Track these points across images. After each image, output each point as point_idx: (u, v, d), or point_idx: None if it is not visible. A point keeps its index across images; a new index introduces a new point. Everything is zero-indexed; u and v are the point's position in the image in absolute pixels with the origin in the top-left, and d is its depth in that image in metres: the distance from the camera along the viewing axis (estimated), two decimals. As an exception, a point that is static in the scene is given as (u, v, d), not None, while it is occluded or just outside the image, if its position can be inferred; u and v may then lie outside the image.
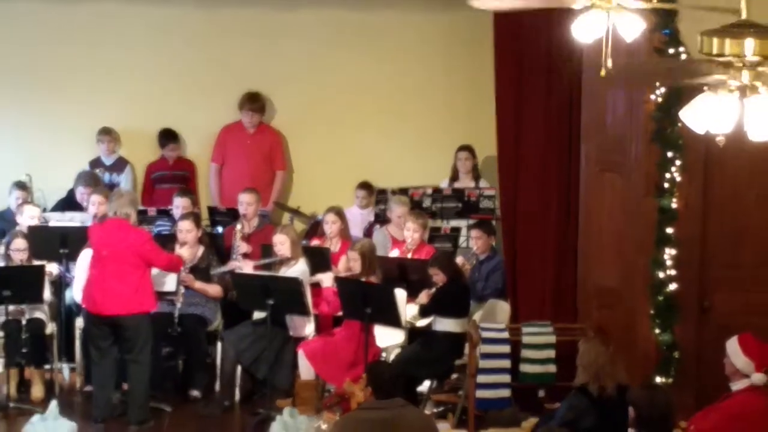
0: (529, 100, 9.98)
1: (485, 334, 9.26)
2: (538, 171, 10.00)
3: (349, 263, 10.22)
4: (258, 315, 10.19)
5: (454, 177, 12.05)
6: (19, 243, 10.33)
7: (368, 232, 11.50)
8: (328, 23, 12.46)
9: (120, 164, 12.32)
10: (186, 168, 12.53)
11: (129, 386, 9.76)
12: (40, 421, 8.93)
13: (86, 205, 11.28)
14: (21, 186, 11.54)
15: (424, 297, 9.88)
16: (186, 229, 10.48)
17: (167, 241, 10.44)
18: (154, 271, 9.84)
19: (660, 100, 8.72)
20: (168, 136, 12.42)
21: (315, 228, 11.50)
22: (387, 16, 12.49)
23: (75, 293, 10.35)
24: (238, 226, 11.08)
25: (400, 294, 9.73)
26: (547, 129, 9.96)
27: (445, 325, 9.68)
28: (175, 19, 12.40)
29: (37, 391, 10.34)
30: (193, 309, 10.41)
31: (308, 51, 12.47)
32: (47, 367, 10.50)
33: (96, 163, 12.26)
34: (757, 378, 7.53)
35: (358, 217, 11.83)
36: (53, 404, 9.05)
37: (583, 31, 6.46)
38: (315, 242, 11.10)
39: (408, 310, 9.94)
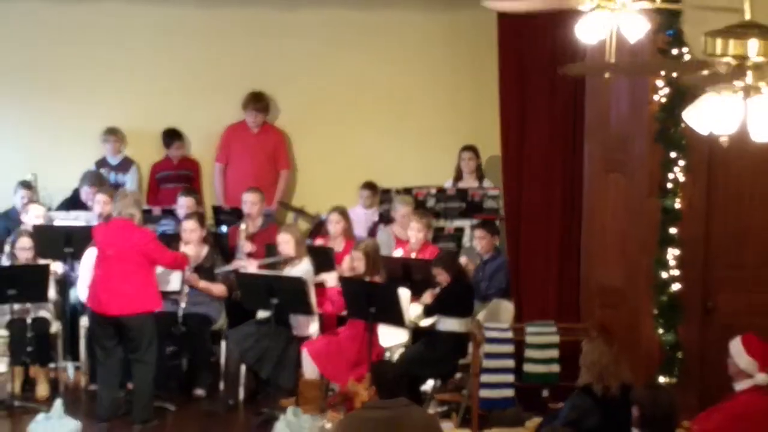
0: (532, 100, 9.97)
1: (489, 334, 9.27)
2: (541, 171, 9.99)
3: (353, 263, 10.23)
4: (262, 314, 10.20)
5: (458, 177, 12.05)
6: (25, 242, 10.36)
7: (372, 232, 11.51)
8: (331, 23, 12.46)
9: (125, 164, 12.33)
10: (190, 167, 12.54)
11: (133, 385, 9.77)
12: (44, 420, 8.96)
13: (91, 205, 11.30)
14: (26, 185, 11.56)
15: (428, 297, 9.89)
16: (190, 229, 10.50)
17: (171, 240, 10.46)
18: (159, 269, 9.86)
19: (664, 100, 8.73)
20: (172, 135, 12.43)
21: (319, 227, 11.51)
22: (391, 16, 12.49)
23: (80, 292, 10.37)
24: (243, 226, 11.10)
25: (404, 294, 9.73)
26: (550, 129, 9.95)
27: (449, 324, 9.69)
28: (180, 19, 12.40)
29: (41, 389, 10.36)
30: (197, 308, 10.43)
31: (312, 50, 12.47)
32: (52, 365, 10.52)
33: (102, 163, 12.27)
34: (761, 378, 7.53)
35: (362, 217, 11.83)
36: (58, 403, 9.07)
37: (588, 32, 6.48)
38: (319, 242, 11.11)
39: (412, 309, 9.94)
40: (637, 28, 6.54)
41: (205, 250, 10.64)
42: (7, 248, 10.54)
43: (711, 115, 5.55)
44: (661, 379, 8.87)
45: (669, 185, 8.84)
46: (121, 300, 9.46)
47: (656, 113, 8.82)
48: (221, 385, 10.43)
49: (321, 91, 12.54)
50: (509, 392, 9.26)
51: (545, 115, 9.94)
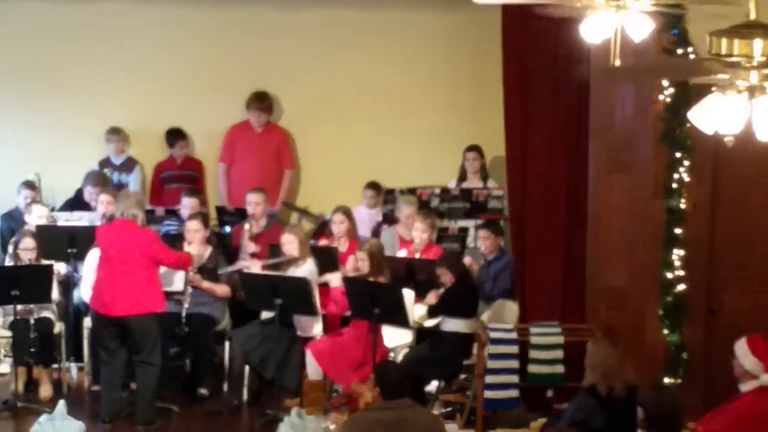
0: (536, 100, 9.96)
1: (493, 335, 9.26)
2: (546, 171, 9.98)
3: (357, 263, 10.21)
4: (266, 315, 10.19)
5: (462, 177, 12.03)
6: (28, 242, 10.35)
7: (376, 232, 11.49)
8: (335, 23, 12.45)
9: (129, 164, 12.32)
10: (194, 168, 12.52)
11: (137, 386, 9.76)
12: (47, 421, 8.94)
13: (95, 205, 11.30)
14: (30, 185, 11.55)
15: (432, 297, 9.88)
16: (194, 229, 10.48)
17: (175, 240, 10.45)
18: (162, 270, 9.85)
19: (668, 100, 8.71)
20: (176, 135, 12.41)
21: (323, 228, 11.50)
22: (391, 16, 12.47)
23: (83, 293, 10.35)
24: (246, 226, 11.09)
25: (408, 294, 9.72)
26: (554, 129, 9.94)
27: (453, 325, 9.67)
28: (180, 19, 12.39)
29: (45, 390, 10.35)
30: (201, 309, 10.41)
31: (314, 50, 12.46)
32: (55, 366, 10.52)
33: (105, 162, 12.26)
34: (766, 379, 7.49)
35: (366, 217, 11.82)
36: (61, 404, 9.06)
37: (592, 32, 6.46)
38: (323, 242, 11.10)
39: (416, 310, 9.93)
40: (642, 28, 6.52)
41: (208, 250, 10.63)
42: (10, 249, 10.53)
43: (716, 115, 5.53)
44: (666, 380, 8.86)
45: (674, 186, 8.83)
46: (125, 301, 9.44)
47: (661, 113, 8.81)
48: (225, 386, 10.41)
49: (322, 91, 12.52)
50: (514, 393, 9.26)
51: (549, 115, 9.93)
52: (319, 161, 12.60)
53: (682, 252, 8.87)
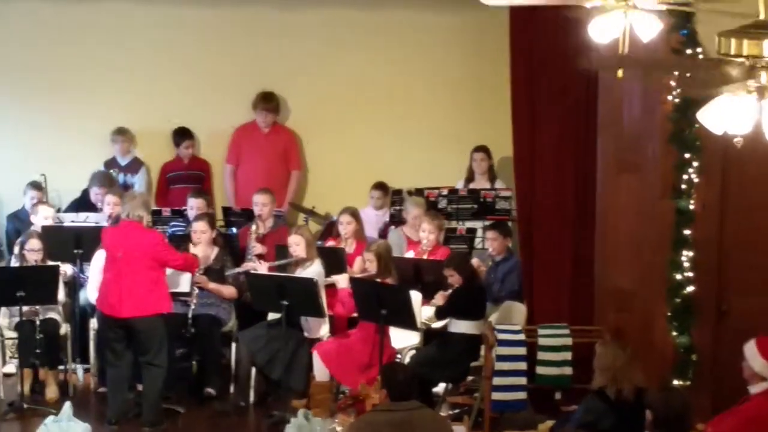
0: (544, 100, 9.93)
1: (501, 336, 9.23)
2: (554, 172, 9.95)
3: (364, 264, 10.20)
4: (273, 316, 10.18)
5: (470, 178, 12.02)
6: (34, 243, 10.33)
7: (383, 233, 11.47)
8: (341, 23, 12.45)
9: (135, 165, 12.31)
10: (201, 168, 12.52)
11: (143, 388, 9.74)
12: (53, 422, 8.91)
13: (101, 206, 11.29)
14: (36, 186, 11.55)
15: (439, 298, 9.85)
16: (200, 230, 10.47)
17: (181, 241, 10.45)
18: (168, 271, 9.83)
19: (677, 100, 8.67)
20: (182, 134, 12.42)
21: (330, 229, 11.47)
22: (402, 16, 12.48)
23: (89, 294, 10.34)
24: (253, 227, 11.07)
25: (416, 295, 9.69)
26: (562, 128, 9.91)
27: (461, 326, 9.65)
28: (181, 19, 12.41)
29: (51, 392, 10.34)
30: (207, 310, 10.40)
31: (321, 51, 12.46)
32: (61, 367, 10.50)
33: (111, 163, 12.26)
34: (775, 381, 7.48)
35: (373, 218, 11.80)
36: (67, 405, 9.02)
37: (600, 32, 6.43)
38: (330, 243, 11.07)
39: (424, 311, 9.91)
40: (650, 28, 6.49)
41: (215, 251, 10.61)
42: (16, 249, 10.51)
43: (725, 116, 5.49)
44: (675, 382, 8.82)
45: (683, 186, 8.79)
46: (131, 302, 9.43)
47: (670, 114, 8.76)
48: (232, 387, 10.40)
49: (332, 91, 12.52)
50: (521, 395, 9.24)
51: (556, 115, 9.91)
52: (325, 162, 12.60)
53: (690, 253, 8.83)
